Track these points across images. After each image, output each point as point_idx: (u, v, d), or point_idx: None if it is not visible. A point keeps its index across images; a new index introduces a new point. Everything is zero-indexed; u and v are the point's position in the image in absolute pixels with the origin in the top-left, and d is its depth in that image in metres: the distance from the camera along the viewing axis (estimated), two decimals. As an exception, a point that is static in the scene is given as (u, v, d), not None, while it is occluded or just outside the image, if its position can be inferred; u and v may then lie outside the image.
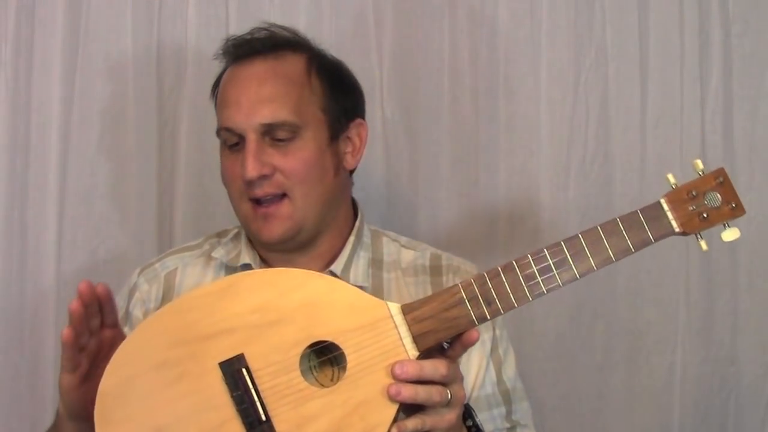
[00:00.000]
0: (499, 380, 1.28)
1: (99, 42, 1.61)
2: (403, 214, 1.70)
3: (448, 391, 1.01)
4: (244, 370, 0.98)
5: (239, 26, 1.61)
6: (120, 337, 1.07)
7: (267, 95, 1.24)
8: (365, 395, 0.98)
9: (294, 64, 1.28)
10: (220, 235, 1.37)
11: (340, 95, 1.30)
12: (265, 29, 1.31)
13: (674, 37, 1.71)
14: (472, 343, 1.03)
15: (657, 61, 1.71)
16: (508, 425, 1.27)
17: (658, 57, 1.72)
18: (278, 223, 1.23)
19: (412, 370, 0.99)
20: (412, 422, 0.99)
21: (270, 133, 1.23)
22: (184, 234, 1.62)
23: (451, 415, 1.02)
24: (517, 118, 1.70)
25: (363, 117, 1.34)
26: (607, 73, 1.71)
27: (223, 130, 1.26)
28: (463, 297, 1.03)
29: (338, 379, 1.00)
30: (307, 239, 1.27)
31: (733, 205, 1.11)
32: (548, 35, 1.70)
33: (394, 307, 1.02)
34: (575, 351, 1.72)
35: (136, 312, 1.29)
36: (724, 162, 1.71)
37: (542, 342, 1.71)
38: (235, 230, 1.36)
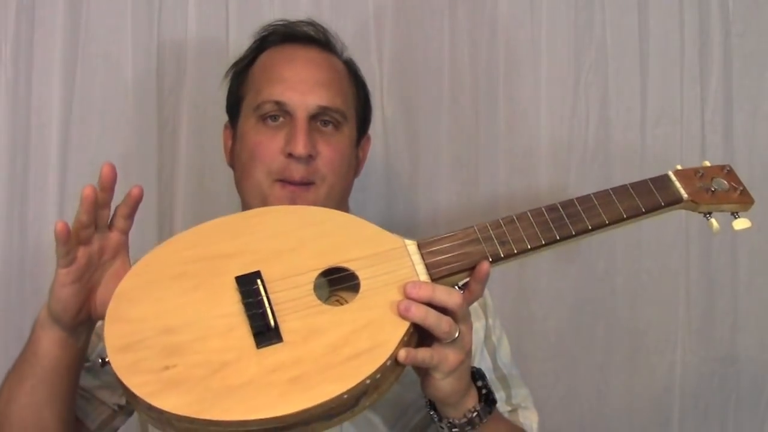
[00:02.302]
0: (495, 366, 1.28)
1: (99, 42, 1.61)
2: (403, 214, 1.70)
3: (458, 327, 1.00)
4: (258, 281, 0.99)
5: (239, 26, 1.61)
6: (125, 248, 1.09)
7: (325, 79, 1.26)
8: (376, 315, 0.98)
9: (339, 63, 1.32)
10: None
11: (365, 105, 1.35)
12: (312, 24, 1.34)
13: (674, 37, 1.72)
14: (484, 275, 1.03)
15: (657, 61, 1.72)
16: (509, 408, 1.27)
17: (658, 57, 1.72)
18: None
19: (425, 291, 0.98)
20: (421, 352, 0.98)
21: (319, 117, 1.24)
22: (184, 234, 1.62)
23: (456, 357, 1.00)
24: (517, 118, 1.70)
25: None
26: (607, 73, 1.71)
27: (269, 103, 1.24)
28: (478, 237, 1.04)
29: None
30: None
31: (741, 189, 1.16)
32: (548, 35, 1.70)
33: (409, 241, 1.04)
34: (575, 351, 1.72)
35: None
36: (724, 162, 1.71)
37: (542, 342, 1.71)
38: None
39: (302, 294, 1.00)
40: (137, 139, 1.62)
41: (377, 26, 1.68)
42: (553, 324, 1.71)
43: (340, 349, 0.95)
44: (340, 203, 1.29)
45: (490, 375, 1.27)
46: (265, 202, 1.24)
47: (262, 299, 0.98)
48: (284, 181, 1.23)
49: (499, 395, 1.27)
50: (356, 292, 1.00)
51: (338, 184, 1.26)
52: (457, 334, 1.00)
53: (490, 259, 1.04)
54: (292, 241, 1.03)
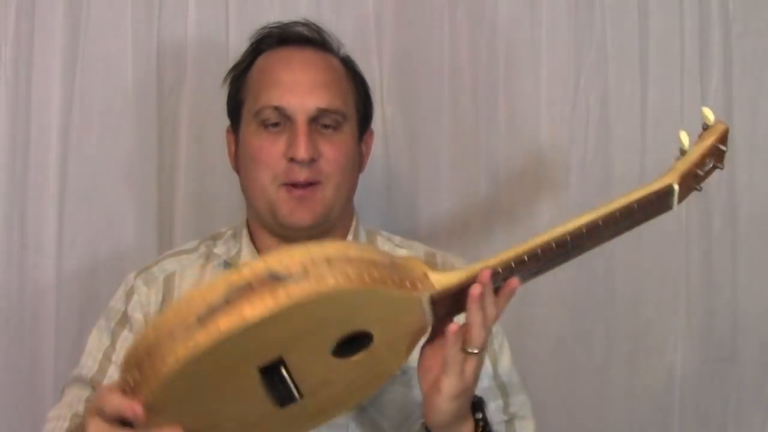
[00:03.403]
0: (495, 374, 1.28)
1: (99, 42, 1.61)
2: (403, 214, 1.70)
3: (486, 344, 1.00)
4: (283, 370, 0.95)
5: (239, 26, 1.61)
6: None
7: (323, 81, 1.26)
8: (385, 367, 1.00)
9: (336, 61, 1.32)
10: (215, 237, 1.37)
11: (365, 100, 1.35)
12: (307, 25, 1.33)
13: (674, 37, 1.72)
14: (512, 291, 1.03)
15: (657, 61, 1.72)
16: (505, 417, 1.27)
17: (658, 57, 1.72)
18: (312, 207, 1.23)
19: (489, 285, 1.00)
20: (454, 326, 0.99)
21: (319, 119, 1.24)
22: (184, 234, 1.62)
23: (471, 366, 1.00)
24: (517, 118, 1.70)
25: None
26: (607, 73, 1.71)
27: (268, 109, 1.24)
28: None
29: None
30: (322, 232, 1.28)
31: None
32: (548, 35, 1.70)
33: (425, 295, 1.00)
34: (575, 352, 1.72)
35: (137, 315, 1.28)
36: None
37: (542, 343, 1.71)
38: (230, 231, 1.36)
39: (322, 362, 0.97)
40: (137, 139, 1.62)
41: (377, 26, 1.68)
42: (554, 325, 1.71)
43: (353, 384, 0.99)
44: (348, 201, 1.30)
45: (490, 382, 1.27)
46: (272, 207, 1.24)
47: (291, 391, 0.96)
48: (290, 185, 1.23)
49: (497, 404, 1.27)
50: (370, 342, 0.98)
51: (345, 182, 1.27)
52: (477, 350, 1.00)
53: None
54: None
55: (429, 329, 1.02)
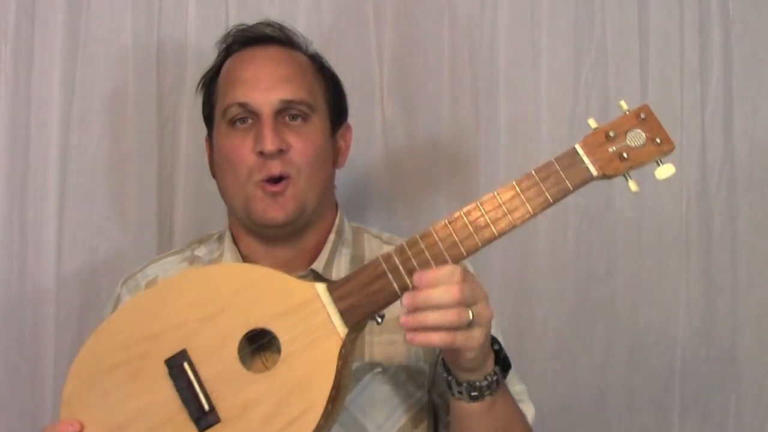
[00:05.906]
0: None
1: (99, 42, 1.61)
2: (403, 215, 1.69)
3: (470, 312, 1.00)
4: (186, 364, 1.02)
5: (239, 26, 1.61)
6: None
7: (286, 74, 1.27)
8: (301, 374, 1.01)
9: (301, 56, 1.33)
10: (202, 240, 1.38)
11: (337, 94, 1.35)
12: (271, 24, 1.35)
13: (674, 37, 1.72)
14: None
15: (657, 61, 1.72)
16: None
17: (658, 57, 1.72)
18: (284, 204, 1.23)
19: (419, 299, 1.00)
20: (437, 336, 0.99)
21: (285, 111, 1.25)
22: (184, 234, 1.62)
23: (481, 333, 1.02)
24: (517, 118, 1.70)
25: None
26: (607, 73, 1.71)
27: (234, 106, 1.25)
28: (384, 269, 1.04)
29: (274, 363, 1.02)
30: (300, 227, 1.28)
31: (659, 141, 1.08)
32: (548, 35, 1.70)
33: (321, 287, 1.04)
34: (575, 351, 1.72)
35: None
36: (724, 162, 1.72)
37: (542, 342, 1.71)
38: (217, 234, 1.37)
39: (230, 366, 1.02)
40: (137, 139, 1.62)
41: (377, 26, 1.68)
42: (554, 324, 1.71)
43: (275, 419, 0.99)
44: (323, 195, 1.29)
45: None
46: (246, 205, 1.25)
47: (192, 384, 1.01)
48: (265, 183, 1.23)
49: None
50: (278, 346, 1.02)
51: (315, 175, 1.26)
52: (471, 316, 1.00)
53: (399, 294, 1.03)
54: (209, 306, 1.05)
55: (346, 331, 1.03)
